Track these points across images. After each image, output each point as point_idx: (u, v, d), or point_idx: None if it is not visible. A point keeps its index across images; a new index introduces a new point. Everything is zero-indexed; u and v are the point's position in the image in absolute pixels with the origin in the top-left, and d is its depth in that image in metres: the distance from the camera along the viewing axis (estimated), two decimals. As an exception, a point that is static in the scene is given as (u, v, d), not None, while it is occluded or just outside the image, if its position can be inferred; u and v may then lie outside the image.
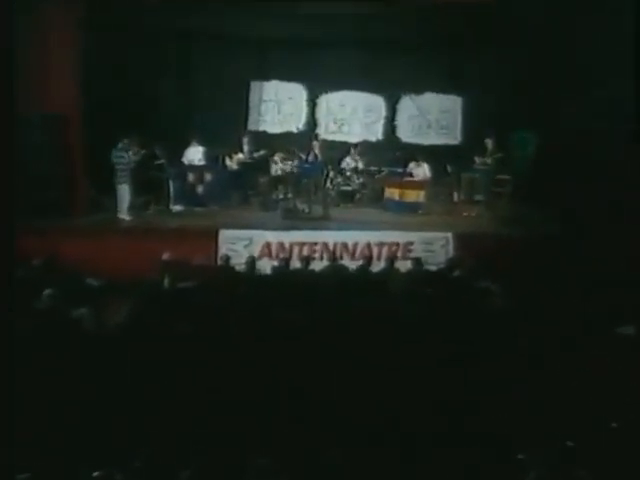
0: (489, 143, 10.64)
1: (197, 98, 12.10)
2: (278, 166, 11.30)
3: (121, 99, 10.42)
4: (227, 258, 8.17)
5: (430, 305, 6.06)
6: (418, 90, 12.65)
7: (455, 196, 11.19)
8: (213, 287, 6.64)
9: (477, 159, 10.73)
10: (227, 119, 11.75)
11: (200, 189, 10.56)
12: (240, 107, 12.38)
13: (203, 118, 11.60)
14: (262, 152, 11.22)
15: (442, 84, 12.52)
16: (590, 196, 8.60)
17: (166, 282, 6.74)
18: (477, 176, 10.92)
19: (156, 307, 5.98)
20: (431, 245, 9.09)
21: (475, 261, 7.55)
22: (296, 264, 8.09)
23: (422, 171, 11.18)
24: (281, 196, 11.08)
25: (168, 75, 11.99)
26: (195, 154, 10.85)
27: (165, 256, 7.59)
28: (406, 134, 12.86)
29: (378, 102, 12.82)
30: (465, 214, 10.57)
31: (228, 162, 11.12)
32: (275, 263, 8.28)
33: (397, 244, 9.06)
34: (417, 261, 7.97)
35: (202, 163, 10.85)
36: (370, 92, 12.68)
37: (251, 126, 12.50)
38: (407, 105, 12.80)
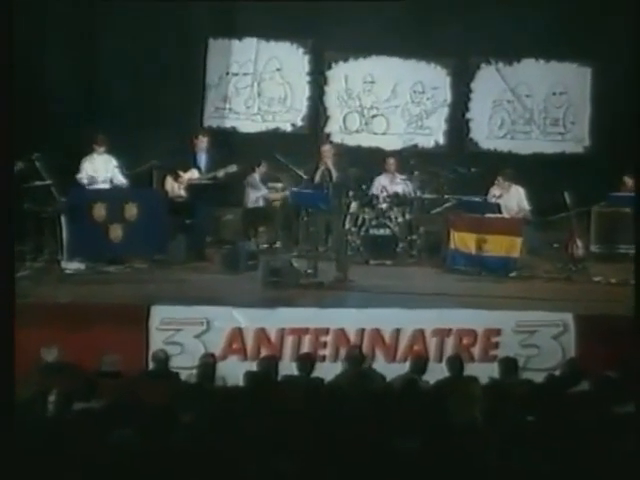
0: None
1: (112, 71, 12.41)
2: (259, 192, 11.46)
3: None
4: (165, 358, 8.24)
5: (532, 446, 6.05)
6: (509, 55, 12.95)
7: (579, 246, 11.26)
8: (138, 411, 6.66)
9: (628, 179, 10.77)
10: (167, 108, 12.01)
11: (117, 232, 10.69)
12: (190, 87, 12.65)
13: (122, 106, 11.88)
14: (231, 168, 11.40)
15: (553, 44, 12.82)
16: None
17: (52, 401, 6.77)
18: (625, 211, 10.98)
19: (35, 444, 6.00)
20: (535, 335, 9.13)
21: (616, 366, 7.54)
22: (290, 368, 8.16)
23: (516, 201, 11.31)
24: (264, 245, 11.21)
25: (60, 33, 12.30)
26: (106, 169, 11.01)
27: (49, 355, 7.63)
28: (488, 134, 13.10)
29: (437, 77, 13.09)
30: (597, 279, 10.65)
31: (170, 184, 11.30)
32: (252, 366, 8.33)
33: (473, 333, 9.13)
34: (509, 364, 8.02)
35: (119, 184, 11.02)
36: (421, 59, 12.99)
37: (210, 120, 12.79)
38: (490, 82, 13.08)
